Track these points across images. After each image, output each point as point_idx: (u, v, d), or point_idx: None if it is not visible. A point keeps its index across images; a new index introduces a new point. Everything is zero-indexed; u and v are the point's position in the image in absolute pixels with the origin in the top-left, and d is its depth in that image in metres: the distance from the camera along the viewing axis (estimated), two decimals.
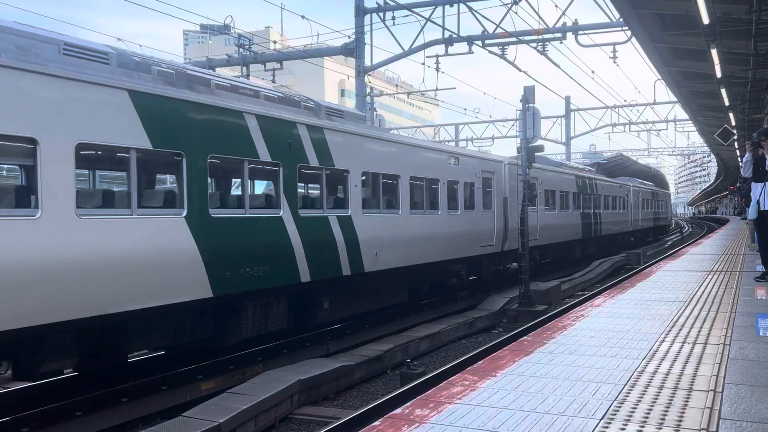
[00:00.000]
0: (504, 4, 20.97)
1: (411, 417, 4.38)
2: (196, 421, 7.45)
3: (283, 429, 8.56)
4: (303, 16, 22.10)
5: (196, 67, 11.64)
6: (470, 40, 21.77)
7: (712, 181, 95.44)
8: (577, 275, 23.74)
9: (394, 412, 4.51)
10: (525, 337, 7.13)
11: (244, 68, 25.19)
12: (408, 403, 4.66)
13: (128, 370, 9.65)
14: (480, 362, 5.91)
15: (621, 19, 17.73)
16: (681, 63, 19.12)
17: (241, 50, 24.96)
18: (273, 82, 26.27)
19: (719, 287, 10.79)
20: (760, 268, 11.84)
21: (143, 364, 10.26)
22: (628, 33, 20.44)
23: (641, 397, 4.80)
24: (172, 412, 8.51)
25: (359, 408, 8.48)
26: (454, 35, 21.72)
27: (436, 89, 28.77)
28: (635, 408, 4.55)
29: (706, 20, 12.58)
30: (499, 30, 21.77)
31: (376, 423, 4.30)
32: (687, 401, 4.69)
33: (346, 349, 12.11)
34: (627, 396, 4.85)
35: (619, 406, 4.60)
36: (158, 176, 10.72)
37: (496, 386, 5.11)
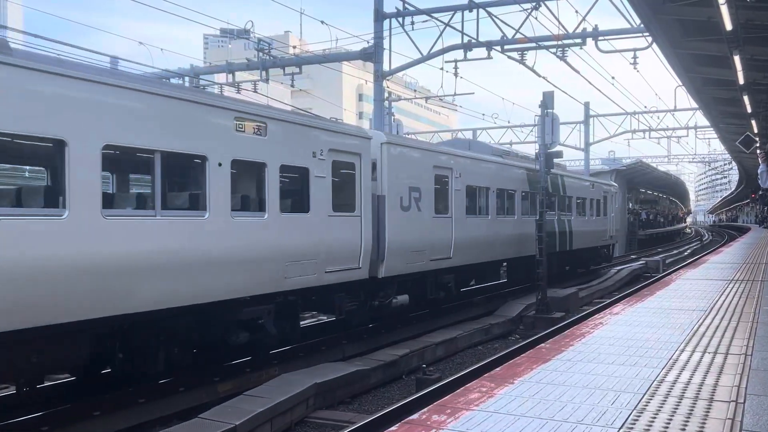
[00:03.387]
0: (523, 10, 20.89)
1: (428, 423, 4.36)
2: (213, 422, 7.48)
3: None
4: (323, 21, 22.19)
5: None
6: (489, 45, 21.71)
7: (733, 189, 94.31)
8: (594, 282, 23.54)
9: (410, 417, 4.50)
10: (543, 345, 7.08)
11: (263, 72, 25.32)
12: (425, 409, 4.64)
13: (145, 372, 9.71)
14: (497, 369, 5.88)
15: (642, 25, 17.60)
16: (702, 69, 18.93)
17: (261, 54, 25.10)
18: (292, 86, 26.43)
19: (740, 296, 10.64)
20: None
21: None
22: (649, 39, 20.28)
23: (661, 407, 4.75)
24: (189, 414, 8.56)
25: (375, 413, 8.47)
26: (473, 40, 21.67)
27: (455, 94, 28.69)
28: (655, 418, 4.50)
29: (729, 26, 12.45)
30: (518, 35, 21.67)
31: (393, 428, 4.28)
32: (708, 412, 4.62)
33: (362, 354, 12.10)
34: (646, 405, 4.79)
35: (639, 416, 4.55)
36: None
37: (514, 393, 5.08)
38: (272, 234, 9.76)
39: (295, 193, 10.59)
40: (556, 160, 22.25)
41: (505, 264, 19.86)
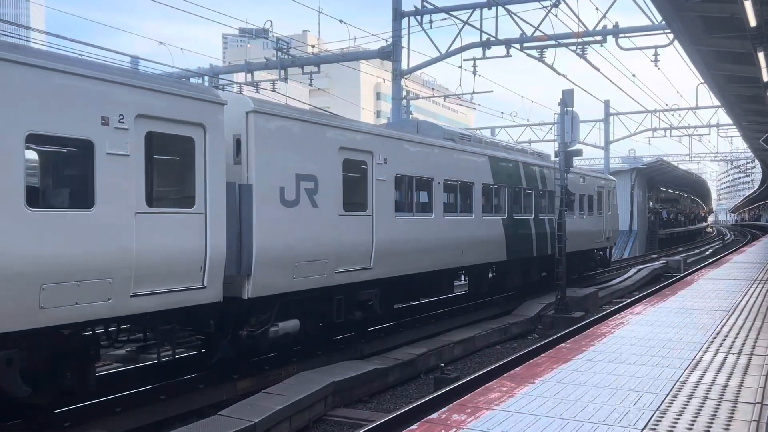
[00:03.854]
0: (543, 7, 20.77)
1: (448, 422, 4.35)
2: (232, 420, 7.52)
3: (317, 430, 8.59)
4: (341, 20, 22.24)
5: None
6: (508, 43, 21.61)
7: (756, 188, 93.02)
8: (614, 282, 23.35)
9: (430, 416, 4.48)
10: (563, 344, 7.03)
11: (282, 71, 25.43)
12: (445, 408, 4.63)
13: (166, 369, 9.80)
14: (517, 368, 5.85)
15: (663, 22, 17.41)
16: (725, 66, 18.66)
17: (279, 54, 25.21)
18: (310, 85, 26.52)
19: (764, 296, 10.48)
20: None
21: (182, 363, 10.40)
22: (671, 36, 20.07)
23: (684, 408, 4.69)
24: (209, 411, 8.61)
25: (393, 411, 8.46)
26: (492, 38, 21.58)
27: (473, 92, 28.59)
28: (678, 419, 4.45)
29: (753, 23, 12.25)
30: (537, 33, 21.55)
31: (413, 427, 4.28)
32: (732, 414, 4.56)
33: (380, 352, 12.10)
34: (669, 406, 4.74)
35: (662, 417, 4.50)
36: None
37: (534, 393, 5.04)
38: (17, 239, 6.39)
39: (69, 182, 7.63)
40: (537, 149, 20.28)
41: (463, 272, 16.38)
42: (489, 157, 15.84)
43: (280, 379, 9.80)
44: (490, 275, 17.29)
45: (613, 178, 27.21)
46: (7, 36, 18.42)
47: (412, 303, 15.50)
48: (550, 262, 18.86)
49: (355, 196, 11.36)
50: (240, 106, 9.27)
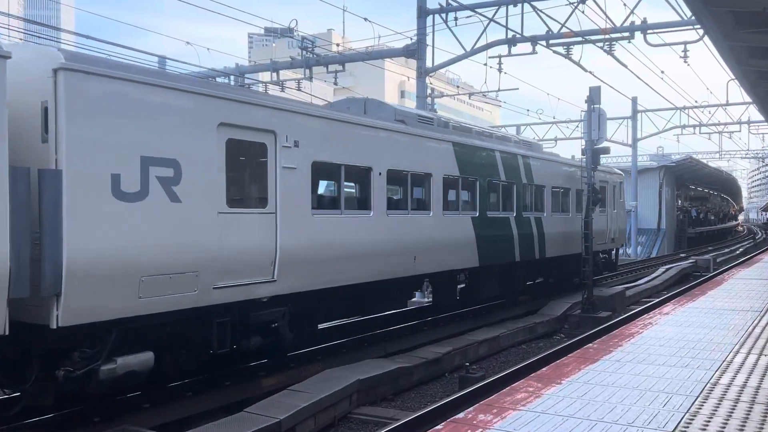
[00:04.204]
0: (570, 3, 20.55)
1: (474, 422, 4.32)
2: (258, 416, 7.58)
3: (341, 428, 8.61)
4: (366, 19, 22.24)
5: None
6: (534, 40, 21.42)
7: None
8: (642, 281, 23.04)
9: (456, 416, 4.46)
10: (590, 345, 6.96)
11: (307, 70, 25.54)
12: (471, 408, 4.60)
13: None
14: (544, 369, 5.80)
15: (693, 17, 17.12)
16: (757, 62, 18.28)
17: (304, 53, 25.31)
18: (335, 84, 26.60)
19: None
20: None
21: (207, 360, 10.50)
22: (700, 32, 19.72)
23: (715, 411, 4.60)
24: (235, 408, 8.69)
25: (418, 410, 8.45)
26: (518, 35, 21.42)
27: (498, 90, 28.44)
28: (709, 422, 4.37)
29: None
30: (564, 29, 21.34)
31: (439, 427, 4.26)
32: (765, 416, 4.46)
33: (404, 351, 12.09)
34: (700, 408, 4.66)
35: (692, 419, 4.42)
36: None
37: (561, 394, 4.99)
38: None
39: None
40: (523, 138, 17.84)
41: (427, 281, 14.05)
42: (453, 143, 13.13)
43: (304, 376, 9.85)
44: (462, 284, 15.25)
45: (620, 172, 24.48)
46: (38, 36, 18.74)
47: (363, 318, 13.14)
48: (542, 267, 17.36)
49: (246, 189, 9.18)
50: (45, 62, 6.87)
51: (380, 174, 11.12)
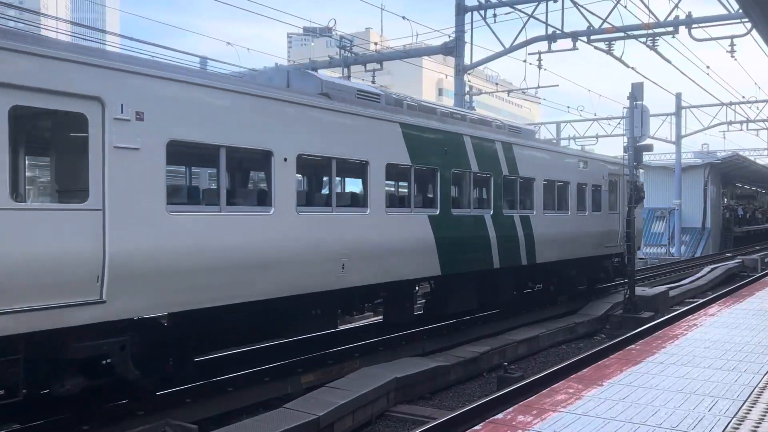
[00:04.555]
0: None
1: (513, 423, 4.28)
2: (297, 413, 7.65)
3: (379, 426, 8.63)
4: (404, 17, 22.22)
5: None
6: (575, 35, 21.11)
7: None
8: (686, 281, 22.53)
9: (495, 416, 4.43)
10: (632, 346, 6.83)
11: (345, 69, 25.64)
12: (510, 409, 4.56)
13: (233, 362, 10.05)
14: (585, 370, 5.71)
15: (740, 11, 16.63)
16: None
17: (342, 52, 25.41)
18: (372, 82, 26.65)
19: None
20: None
21: (246, 356, 10.65)
22: (748, 25, 19.15)
23: (764, 416, 4.47)
24: (274, 403, 8.79)
25: (456, 409, 8.41)
26: (558, 31, 21.13)
27: (538, 87, 28.11)
28: (757, 427, 4.25)
29: None
30: (605, 25, 20.97)
31: (478, 427, 4.23)
32: None
33: (442, 350, 12.06)
34: (747, 413, 4.53)
35: (739, 424, 4.30)
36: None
37: (603, 396, 4.91)
38: None
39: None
40: (511, 122, 14.88)
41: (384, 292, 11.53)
42: (402, 125, 10.66)
43: (342, 373, 9.91)
44: (427, 296, 13.59)
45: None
46: (84, 39, 19.24)
47: (274, 341, 10.68)
48: (537, 274, 15.32)
49: (54, 176, 7.49)
50: None
51: (285, 160, 8.63)
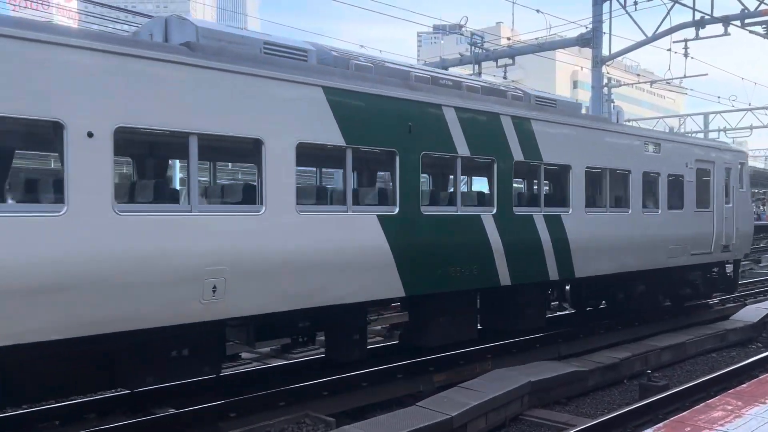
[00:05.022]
0: None
1: None
2: (429, 412, 7.67)
3: (513, 429, 8.46)
4: (538, 10, 21.65)
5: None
6: (726, 20, 19.54)
7: None
8: None
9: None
10: None
11: (476, 66, 25.40)
12: (660, 425, 4.29)
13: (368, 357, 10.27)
14: (744, 385, 5.26)
15: None
16: None
17: (473, 48, 25.21)
18: (504, 78, 26.21)
19: None
20: None
21: (380, 352, 10.84)
22: None
23: None
24: (407, 401, 8.88)
25: (596, 417, 8.07)
26: (707, 16, 19.67)
27: (684, 76, 26.32)
28: None
29: None
30: (762, 6, 19.23)
31: None
32: None
33: (578, 354, 11.62)
34: None
35: None
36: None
37: (767, 415, 4.49)
38: None
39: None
40: (537, 91, 11.92)
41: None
42: (326, 89, 7.79)
43: (474, 374, 9.82)
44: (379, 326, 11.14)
45: (739, 149, 17.24)
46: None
47: None
48: (577, 290, 12.74)
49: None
50: None
51: (92, 136, 5.98)
